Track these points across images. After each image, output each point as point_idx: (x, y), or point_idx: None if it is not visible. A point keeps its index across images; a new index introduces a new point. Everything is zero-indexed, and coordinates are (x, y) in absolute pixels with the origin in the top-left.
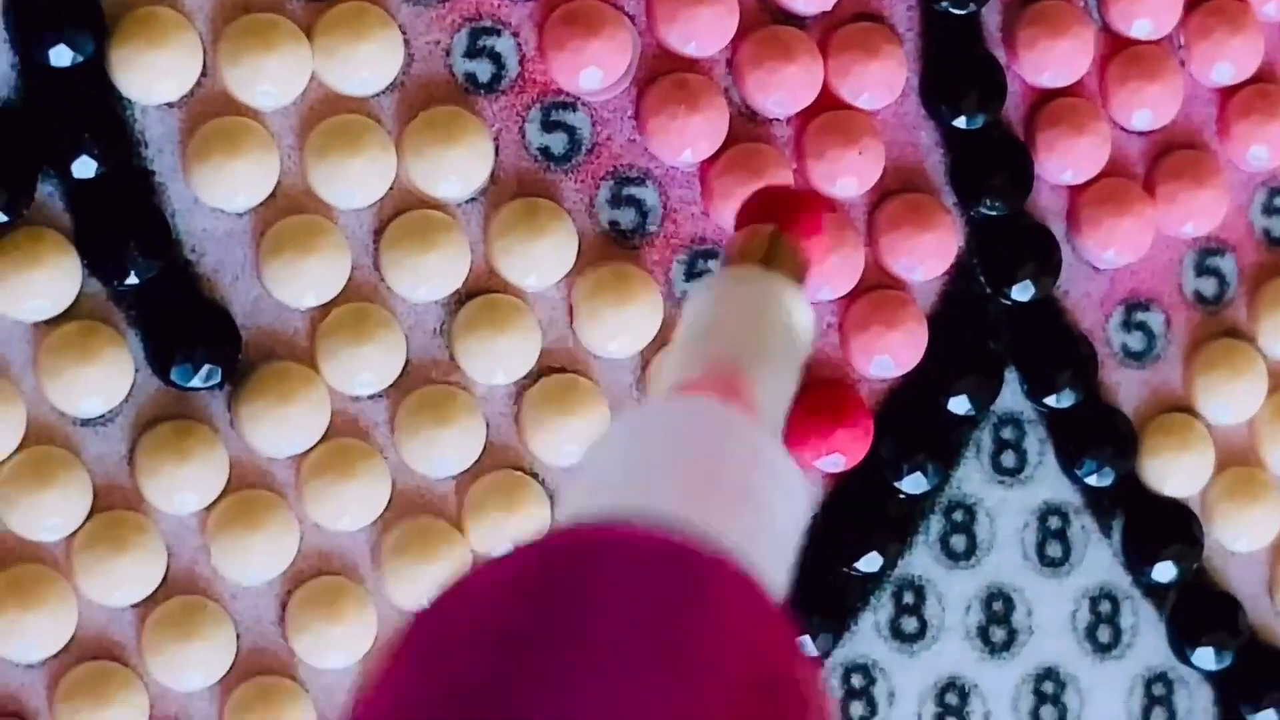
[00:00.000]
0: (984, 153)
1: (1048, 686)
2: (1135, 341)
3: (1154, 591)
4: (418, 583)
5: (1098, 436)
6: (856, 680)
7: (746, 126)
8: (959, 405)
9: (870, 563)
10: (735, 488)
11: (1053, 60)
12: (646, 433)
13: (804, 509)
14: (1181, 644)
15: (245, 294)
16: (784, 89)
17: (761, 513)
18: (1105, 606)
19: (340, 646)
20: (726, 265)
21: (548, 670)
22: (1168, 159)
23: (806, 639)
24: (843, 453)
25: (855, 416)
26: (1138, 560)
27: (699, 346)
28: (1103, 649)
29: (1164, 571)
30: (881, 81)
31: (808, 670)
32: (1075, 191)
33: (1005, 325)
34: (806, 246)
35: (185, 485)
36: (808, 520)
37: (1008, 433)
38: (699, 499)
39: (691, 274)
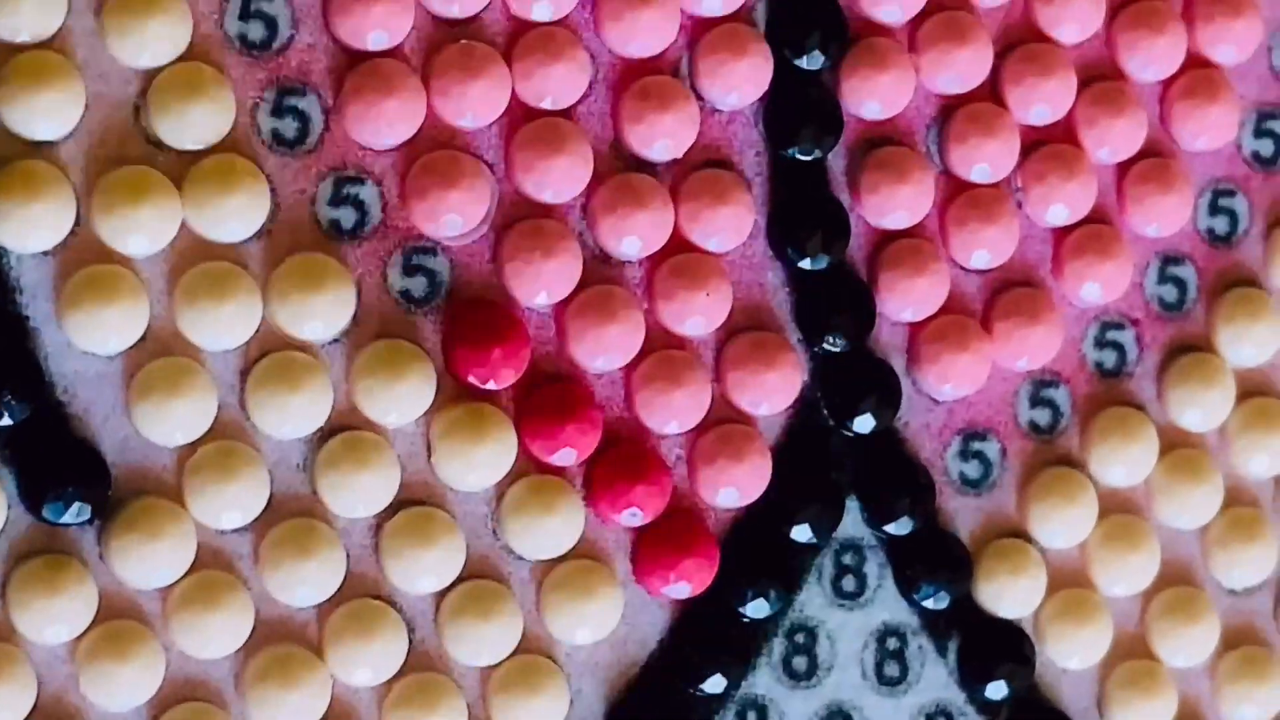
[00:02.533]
0: (828, 292)
1: None
2: (972, 470)
3: (988, 709)
4: (280, 708)
5: (935, 562)
6: None
7: (600, 269)
8: (801, 534)
9: (715, 684)
10: None
11: (895, 204)
12: None
13: None
14: None
15: (115, 433)
16: (636, 233)
17: None
18: None
19: None
20: None
21: None
22: (1004, 296)
23: None
24: (689, 580)
25: (701, 546)
26: (973, 679)
27: None
28: None
29: (997, 689)
30: (730, 226)
31: None
32: (915, 328)
33: (847, 456)
34: None
35: (56, 617)
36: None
37: (848, 558)
38: None
39: None
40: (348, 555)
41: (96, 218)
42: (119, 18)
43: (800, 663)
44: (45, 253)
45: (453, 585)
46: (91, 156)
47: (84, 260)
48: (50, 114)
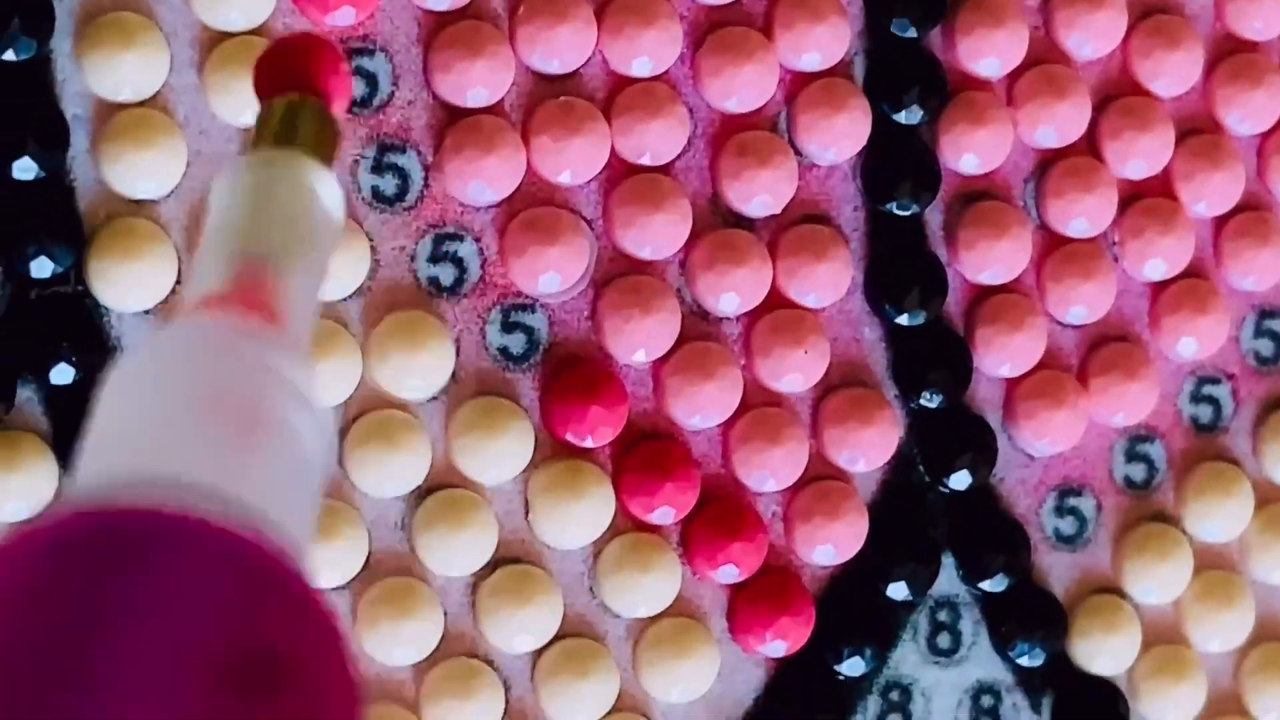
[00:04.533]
0: (925, 348)
1: None
2: (1067, 526)
3: None
4: None
5: (1029, 618)
6: None
7: (698, 325)
8: (897, 591)
9: None
10: (249, 420)
11: (992, 259)
12: (158, 369)
13: (329, 429)
14: None
15: None
16: (734, 290)
17: (280, 442)
18: None
19: None
20: (248, 148)
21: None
22: (1100, 351)
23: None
24: (784, 638)
25: (797, 603)
26: None
27: (223, 247)
28: None
29: None
30: (828, 282)
31: (313, 641)
32: (1012, 384)
33: (943, 512)
34: (330, 110)
35: None
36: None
37: (944, 615)
38: (211, 444)
39: None
40: (445, 614)
41: None
42: (220, 75)
43: None
44: (146, 312)
45: (549, 643)
46: (192, 215)
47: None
48: (152, 172)
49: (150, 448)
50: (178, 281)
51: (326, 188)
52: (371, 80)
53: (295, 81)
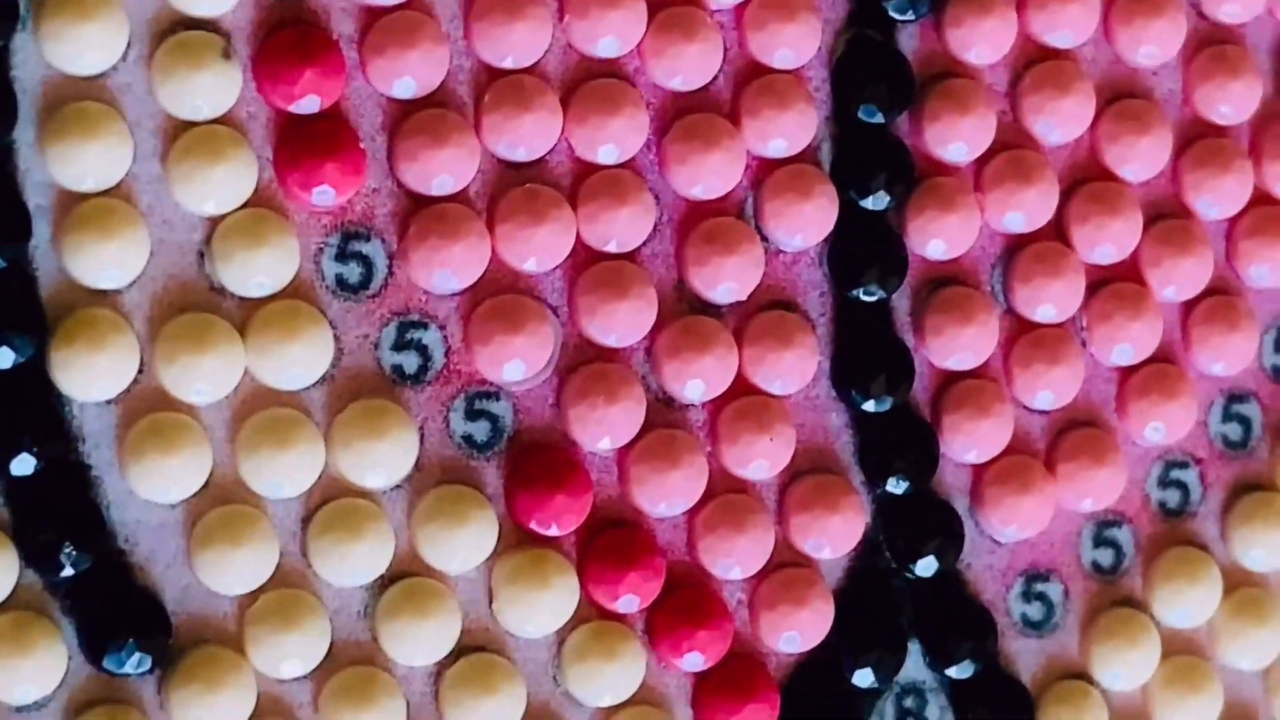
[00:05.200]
0: (892, 434)
1: None
2: (1034, 611)
3: None
4: None
5: (997, 705)
6: None
7: (663, 412)
8: (863, 679)
9: None
10: None
11: (959, 345)
12: None
13: None
14: None
15: (177, 581)
16: (700, 377)
17: None
18: None
19: None
20: None
21: None
22: (1068, 436)
23: None
24: None
25: (763, 691)
26: None
27: None
28: None
29: None
30: (794, 369)
31: None
32: (979, 470)
33: (909, 598)
34: None
35: None
36: None
37: (910, 702)
38: None
39: None
40: (408, 703)
41: (159, 366)
42: (184, 164)
43: None
44: (108, 401)
45: None
46: (155, 303)
47: (146, 408)
48: (114, 262)
49: None
50: (140, 371)
51: None
52: None
53: None
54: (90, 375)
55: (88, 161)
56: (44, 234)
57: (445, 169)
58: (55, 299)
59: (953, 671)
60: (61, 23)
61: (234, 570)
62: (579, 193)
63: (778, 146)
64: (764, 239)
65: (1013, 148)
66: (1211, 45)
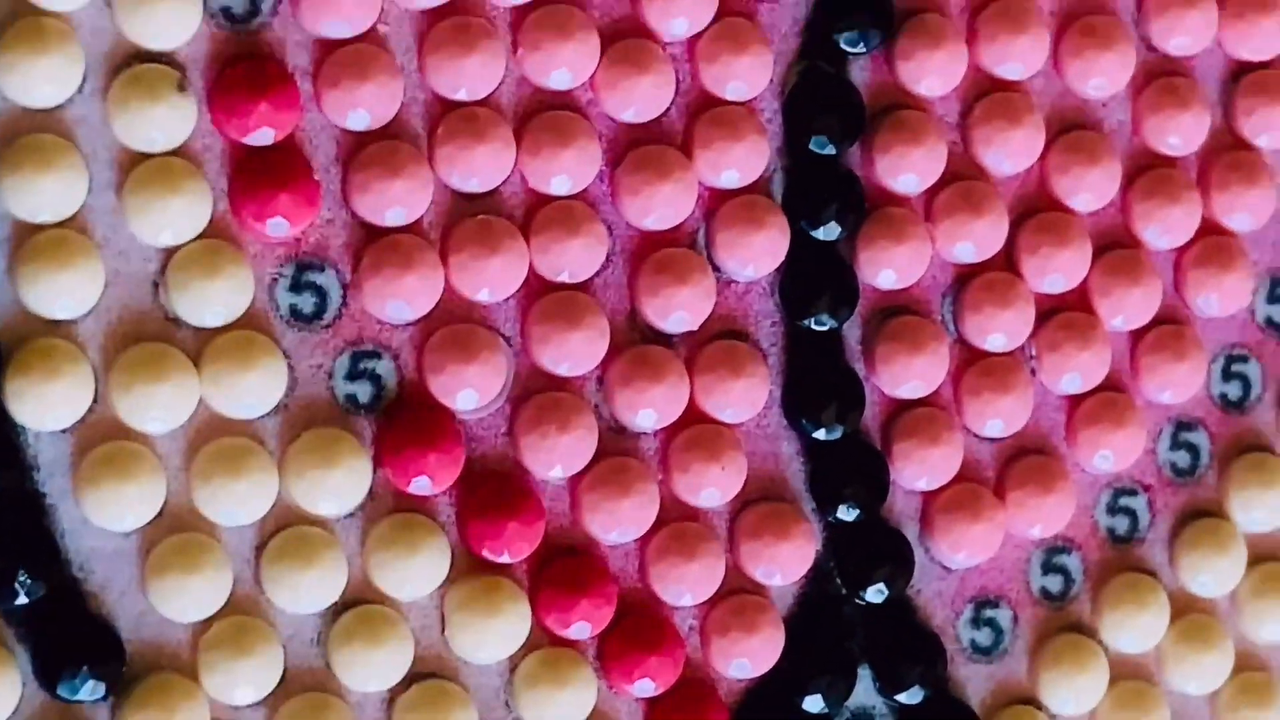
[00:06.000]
0: (842, 462)
1: None
2: (983, 637)
3: None
4: None
5: None
6: None
7: (615, 440)
8: (813, 704)
9: None
10: None
11: (910, 374)
12: None
13: None
14: None
15: (131, 609)
16: (651, 406)
17: None
18: None
19: None
20: None
21: None
22: (1018, 464)
23: None
24: None
25: (714, 717)
26: None
27: None
28: None
29: None
30: (745, 398)
31: None
32: (929, 497)
33: (860, 625)
34: None
35: None
36: None
37: None
38: None
39: None
40: None
41: (115, 395)
42: (140, 196)
43: None
44: (63, 430)
45: None
46: (110, 334)
47: (101, 437)
48: (70, 293)
49: None
50: (95, 401)
51: None
52: None
53: None
54: (45, 404)
55: (44, 193)
56: (0, 265)
57: (399, 200)
58: (10, 329)
59: (902, 697)
60: (17, 56)
61: (188, 597)
62: (532, 223)
63: (730, 178)
64: (716, 269)
65: (963, 178)
66: (1160, 77)
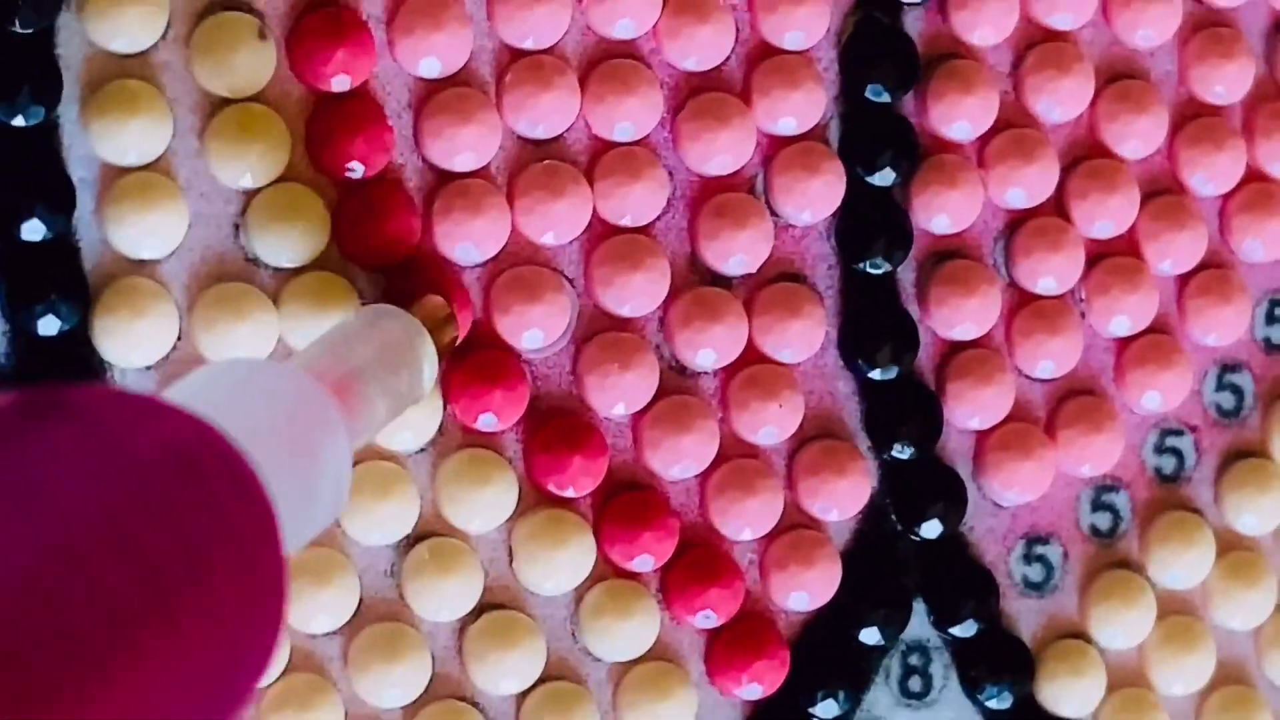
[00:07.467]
0: (897, 402)
1: None
2: (1035, 573)
3: None
4: None
5: (998, 663)
6: None
7: (676, 380)
8: (870, 636)
9: None
10: (299, 440)
11: (963, 316)
12: (251, 372)
13: (345, 494)
14: None
15: None
16: (711, 346)
17: (308, 464)
18: None
19: None
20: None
21: None
22: (1067, 404)
23: None
24: (760, 682)
25: (773, 648)
26: None
27: (336, 346)
28: None
29: None
30: (802, 339)
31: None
32: (981, 436)
33: (914, 560)
34: (455, 327)
35: None
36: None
37: (915, 659)
38: (257, 431)
39: None
40: (433, 658)
41: (197, 333)
42: (220, 140)
43: None
44: (148, 367)
45: (533, 686)
46: (193, 274)
47: (185, 374)
48: (155, 233)
49: (205, 398)
50: (179, 338)
51: (430, 365)
52: None
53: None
54: (131, 342)
55: (129, 137)
56: (87, 207)
57: (469, 145)
58: (98, 269)
59: (956, 630)
60: (105, 3)
61: None
62: (596, 169)
63: (787, 125)
64: (774, 214)
65: (1014, 126)
66: (1206, 28)
